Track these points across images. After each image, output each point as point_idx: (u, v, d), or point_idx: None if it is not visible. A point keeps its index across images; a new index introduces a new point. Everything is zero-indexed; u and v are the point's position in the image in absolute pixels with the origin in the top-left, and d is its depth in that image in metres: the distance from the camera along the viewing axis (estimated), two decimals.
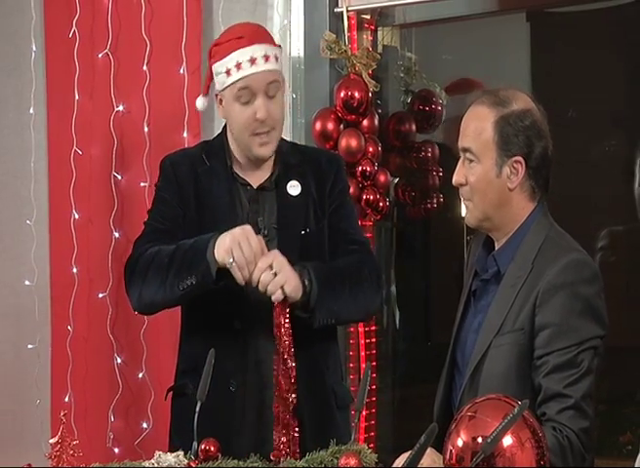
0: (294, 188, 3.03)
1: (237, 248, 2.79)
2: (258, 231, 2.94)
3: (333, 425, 2.98)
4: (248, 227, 2.83)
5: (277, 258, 2.81)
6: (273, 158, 3.05)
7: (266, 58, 2.95)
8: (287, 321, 2.81)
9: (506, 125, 2.63)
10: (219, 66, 2.98)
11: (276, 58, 2.98)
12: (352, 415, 2.85)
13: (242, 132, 2.99)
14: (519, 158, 2.63)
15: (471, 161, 2.67)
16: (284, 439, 2.76)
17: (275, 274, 2.79)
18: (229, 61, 2.95)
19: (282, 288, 2.79)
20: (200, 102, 3.19)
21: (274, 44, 3.03)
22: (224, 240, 2.81)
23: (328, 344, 3.10)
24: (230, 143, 3.06)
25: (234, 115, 2.99)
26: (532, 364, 2.56)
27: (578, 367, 2.51)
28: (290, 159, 3.07)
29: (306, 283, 2.84)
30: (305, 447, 2.66)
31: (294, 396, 2.81)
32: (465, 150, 2.68)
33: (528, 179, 2.66)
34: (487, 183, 2.65)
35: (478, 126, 2.66)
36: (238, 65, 2.94)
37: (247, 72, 2.93)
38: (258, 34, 3.01)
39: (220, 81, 2.99)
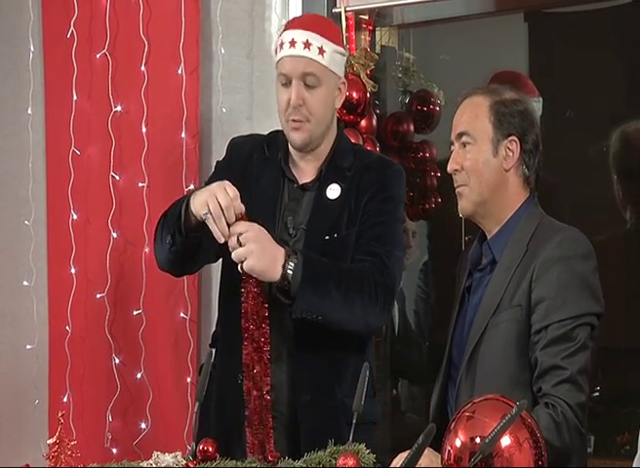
0: (332, 192, 2.98)
1: (213, 199, 2.76)
2: (286, 230, 2.95)
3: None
4: (225, 181, 2.82)
5: (248, 232, 2.77)
6: (324, 157, 3.03)
7: (307, 44, 2.93)
8: (254, 292, 2.80)
9: (502, 106, 2.71)
10: (274, 44, 3.06)
11: (321, 51, 2.93)
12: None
13: (280, 115, 3.01)
14: (514, 138, 2.70)
15: (467, 144, 2.72)
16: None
17: (241, 244, 2.76)
18: (278, 40, 3.01)
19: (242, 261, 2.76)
20: None
21: (332, 40, 2.98)
22: (201, 193, 2.81)
23: (343, 354, 2.97)
24: None
25: (277, 95, 3.02)
26: (529, 341, 2.58)
27: (574, 340, 2.54)
28: (342, 161, 3.02)
29: (290, 267, 2.78)
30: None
31: (267, 354, 2.81)
32: (461, 135, 2.73)
33: (522, 164, 2.71)
34: (484, 163, 2.70)
35: (474, 110, 2.73)
36: (281, 45, 2.98)
37: (285, 53, 2.96)
38: (311, 22, 3.02)
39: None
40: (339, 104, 3.06)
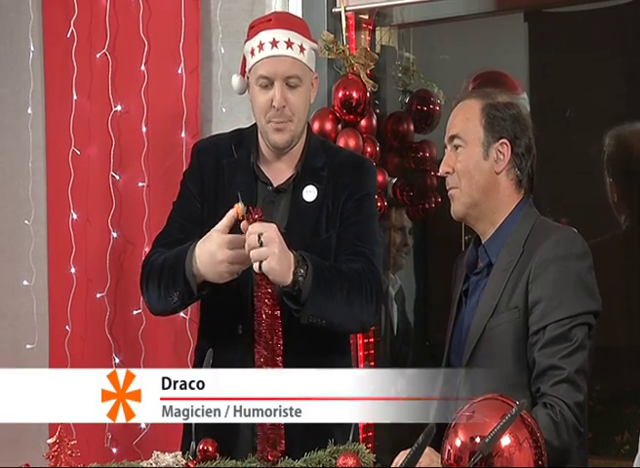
0: (309, 194, 2.97)
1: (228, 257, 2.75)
2: None
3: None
4: (214, 236, 2.78)
5: (269, 232, 2.70)
6: (298, 157, 3.01)
7: (289, 44, 2.92)
8: (268, 294, 2.73)
9: (493, 110, 2.73)
10: (247, 46, 3.00)
11: (301, 49, 2.94)
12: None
13: (259, 117, 2.98)
14: (505, 141, 2.71)
15: (459, 147, 2.74)
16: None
17: (262, 244, 2.69)
18: (254, 41, 2.95)
19: (261, 261, 2.70)
20: (234, 79, 3.13)
21: (307, 37, 2.99)
22: (211, 265, 2.77)
23: (329, 358, 2.94)
24: (259, 132, 3.03)
25: (254, 98, 2.98)
26: (527, 343, 2.58)
27: (571, 340, 2.55)
28: (314, 161, 3.01)
29: (300, 273, 2.74)
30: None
31: (280, 357, 2.73)
32: (453, 137, 2.75)
33: (514, 166, 2.73)
34: (474, 166, 2.72)
35: (466, 113, 2.75)
36: (260, 46, 2.93)
37: (267, 53, 2.92)
38: (288, 20, 3.02)
39: (248, 61, 2.99)
40: (313, 99, 3.07)
